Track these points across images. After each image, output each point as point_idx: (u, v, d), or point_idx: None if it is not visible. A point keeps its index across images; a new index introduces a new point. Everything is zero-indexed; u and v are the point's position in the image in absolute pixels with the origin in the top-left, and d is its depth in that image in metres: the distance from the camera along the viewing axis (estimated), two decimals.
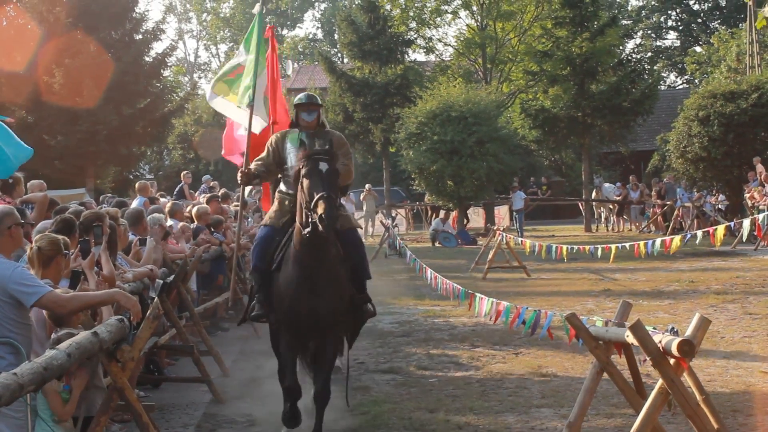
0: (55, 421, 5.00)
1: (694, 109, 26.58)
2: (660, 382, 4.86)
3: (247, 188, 11.99)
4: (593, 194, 31.94)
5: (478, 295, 8.97)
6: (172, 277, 8.75)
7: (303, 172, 6.42)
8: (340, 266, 6.69)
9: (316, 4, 72.21)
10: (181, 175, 19.18)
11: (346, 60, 43.02)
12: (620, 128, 31.74)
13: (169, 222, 10.77)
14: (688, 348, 4.63)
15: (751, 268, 17.44)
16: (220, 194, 15.40)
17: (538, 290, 15.52)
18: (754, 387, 8.13)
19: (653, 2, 56.00)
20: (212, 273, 11.82)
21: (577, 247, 14.55)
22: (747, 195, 22.91)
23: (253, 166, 7.52)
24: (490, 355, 10.07)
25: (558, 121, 31.16)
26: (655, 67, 48.54)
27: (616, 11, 43.49)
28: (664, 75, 54.75)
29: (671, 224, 25.84)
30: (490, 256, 17.92)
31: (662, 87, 47.38)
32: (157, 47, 30.56)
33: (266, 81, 10.63)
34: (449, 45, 39.14)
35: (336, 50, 58.52)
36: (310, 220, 6.24)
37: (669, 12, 56.82)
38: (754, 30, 31.09)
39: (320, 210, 6.10)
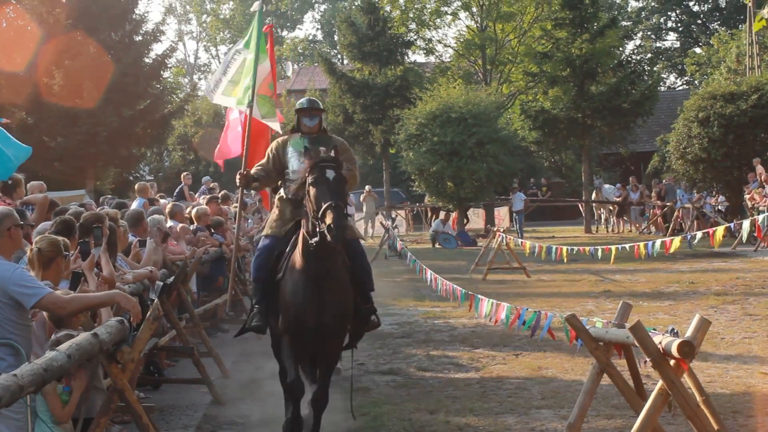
0: (54, 422, 4.99)
1: (693, 111, 26.59)
2: (660, 383, 4.86)
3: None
4: (593, 195, 31.95)
5: (478, 296, 8.97)
6: (172, 278, 8.75)
7: (310, 180, 6.29)
8: (347, 275, 6.64)
9: (316, 5, 72.28)
10: (181, 176, 19.19)
11: (345, 61, 43.08)
12: (620, 129, 31.76)
13: (170, 223, 10.77)
14: (688, 349, 4.63)
15: (751, 269, 17.44)
16: (219, 195, 15.40)
17: (538, 291, 15.52)
18: (754, 388, 8.13)
19: (653, 3, 56.03)
20: (212, 274, 11.81)
21: (577, 249, 14.55)
22: (747, 196, 22.91)
23: (253, 170, 7.44)
24: (490, 356, 10.07)
25: (558, 123, 31.17)
26: (654, 69, 48.59)
27: (616, 12, 43.53)
28: (664, 76, 54.84)
29: (671, 225, 25.84)
30: (490, 257, 17.92)
31: (662, 88, 47.40)
32: (157, 49, 30.60)
33: (269, 67, 10.69)
34: (449, 46, 39.21)
35: (336, 51, 58.58)
36: (318, 229, 6.12)
37: (669, 13, 56.87)
38: (753, 31, 31.09)
39: (328, 220, 5.97)
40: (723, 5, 54.42)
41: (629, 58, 38.78)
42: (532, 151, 35.84)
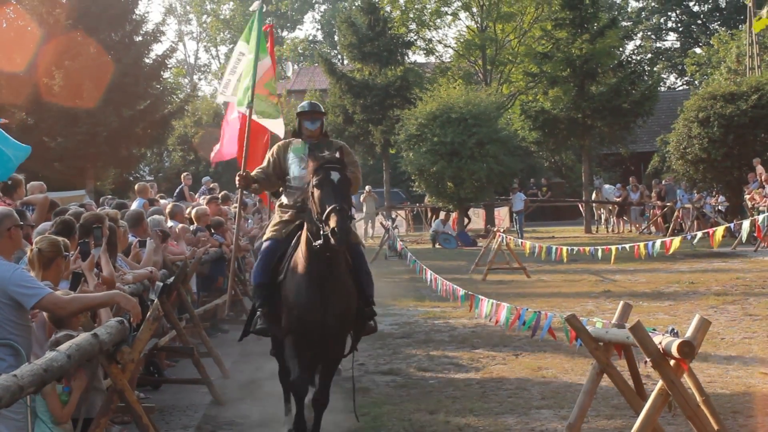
0: (54, 422, 4.99)
1: (694, 111, 26.59)
2: (660, 383, 4.86)
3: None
4: (593, 195, 31.96)
5: (478, 296, 8.97)
6: (172, 278, 8.74)
7: (314, 181, 6.23)
8: (349, 277, 6.63)
9: (316, 5, 72.31)
10: (181, 176, 19.20)
11: (346, 61, 43.07)
12: (620, 130, 31.77)
13: (170, 223, 10.77)
14: (688, 349, 4.63)
15: (751, 269, 17.44)
16: (219, 196, 15.41)
17: (538, 291, 15.52)
18: (754, 388, 8.13)
19: (653, 4, 56.05)
20: (212, 275, 11.81)
21: (577, 249, 14.56)
22: (747, 196, 22.91)
23: (254, 172, 7.42)
24: (490, 356, 10.07)
25: (558, 123, 31.18)
26: (654, 69, 48.60)
27: (616, 13, 43.56)
28: (664, 76, 54.85)
29: (671, 225, 25.85)
30: (490, 257, 17.92)
31: (662, 88, 47.42)
32: (157, 49, 30.60)
33: (269, 62, 10.71)
34: (449, 47, 39.25)
35: (336, 52, 58.59)
36: (321, 232, 6.08)
37: (669, 13, 56.87)
38: (753, 31, 31.09)
39: (333, 223, 5.92)
40: (723, 5, 54.43)
41: (629, 59, 38.80)
42: (532, 152, 35.86)
